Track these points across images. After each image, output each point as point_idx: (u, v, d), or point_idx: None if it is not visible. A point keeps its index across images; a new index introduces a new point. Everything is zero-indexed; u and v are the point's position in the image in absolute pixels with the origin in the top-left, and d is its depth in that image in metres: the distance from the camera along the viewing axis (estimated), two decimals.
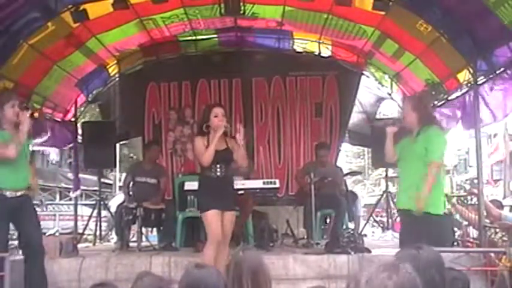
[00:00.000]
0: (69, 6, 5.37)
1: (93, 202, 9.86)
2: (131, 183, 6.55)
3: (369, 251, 5.06)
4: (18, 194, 4.06)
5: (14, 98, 4.18)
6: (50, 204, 14.53)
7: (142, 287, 2.15)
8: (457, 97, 5.90)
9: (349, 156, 26.70)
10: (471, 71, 5.36)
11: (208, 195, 4.33)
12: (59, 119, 7.04)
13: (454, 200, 7.40)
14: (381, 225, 8.32)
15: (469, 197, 6.50)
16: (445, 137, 4.22)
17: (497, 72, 4.94)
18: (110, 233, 7.56)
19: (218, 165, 4.30)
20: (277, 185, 5.73)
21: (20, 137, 3.98)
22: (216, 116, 4.28)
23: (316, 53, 7.61)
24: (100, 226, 7.20)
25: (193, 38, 7.39)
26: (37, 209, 4.33)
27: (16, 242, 6.90)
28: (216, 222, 4.21)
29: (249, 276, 2.52)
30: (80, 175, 8.33)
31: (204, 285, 2.19)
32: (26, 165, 4.19)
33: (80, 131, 7.56)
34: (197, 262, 2.54)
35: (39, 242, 4.22)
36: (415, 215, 3.94)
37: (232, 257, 2.69)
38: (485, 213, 5.48)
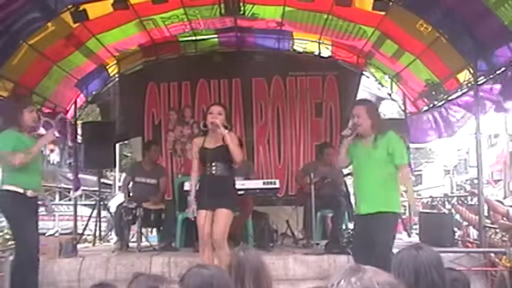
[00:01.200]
0: (69, 6, 5.37)
1: (93, 202, 9.85)
2: (130, 183, 6.55)
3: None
4: (36, 194, 4.23)
5: (32, 103, 4.28)
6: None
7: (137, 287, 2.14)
8: (458, 97, 5.90)
9: None
10: (471, 71, 5.36)
11: (201, 194, 4.23)
12: None
13: (454, 200, 7.42)
14: None
15: (469, 197, 6.51)
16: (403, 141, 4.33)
17: (498, 72, 4.94)
18: (109, 233, 7.56)
19: (213, 164, 4.19)
20: (277, 185, 5.73)
21: (34, 149, 4.14)
22: (210, 113, 4.20)
23: (316, 53, 7.60)
24: (100, 226, 7.19)
25: (193, 38, 7.39)
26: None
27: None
28: (204, 223, 4.10)
29: (252, 276, 2.51)
30: (80, 175, 8.32)
31: (216, 285, 2.18)
32: (40, 167, 4.38)
33: (79, 131, 7.55)
34: (198, 263, 2.53)
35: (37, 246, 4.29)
36: (375, 218, 3.91)
37: (232, 258, 2.68)
38: (486, 213, 5.48)
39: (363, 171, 4.12)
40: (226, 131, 4.13)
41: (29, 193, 4.14)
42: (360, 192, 4.17)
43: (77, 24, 5.68)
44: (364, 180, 4.08)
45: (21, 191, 4.10)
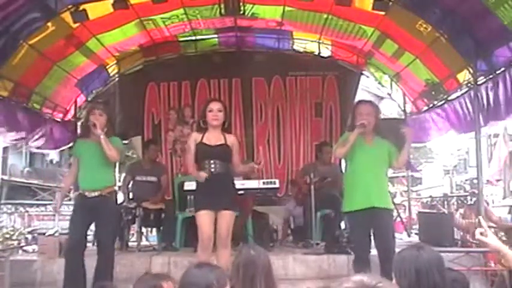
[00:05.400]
0: (69, 6, 5.38)
1: None
2: (131, 182, 6.54)
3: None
4: (96, 194, 4.24)
5: (99, 107, 4.39)
6: (50, 204, 14.50)
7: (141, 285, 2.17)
8: (457, 97, 5.91)
9: None
10: (471, 71, 5.36)
11: (201, 194, 4.16)
12: (58, 119, 7.04)
13: (454, 200, 7.41)
14: None
15: (468, 197, 6.50)
16: None
17: (497, 72, 4.95)
18: None
19: (212, 162, 4.09)
20: (277, 185, 5.72)
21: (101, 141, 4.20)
22: (210, 111, 4.13)
23: (316, 53, 7.61)
24: None
25: (193, 38, 7.39)
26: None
27: (15, 242, 6.90)
28: (206, 224, 4.00)
29: (263, 274, 2.50)
30: None
31: (216, 284, 2.18)
32: (104, 166, 4.33)
33: (79, 131, 7.53)
34: (197, 263, 2.53)
35: (106, 243, 4.44)
36: (382, 213, 4.12)
37: (238, 256, 2.64)
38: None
39: (360, 166, 4.23)
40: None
41: (87, 193, 4.22)
42: (354, 186, 4.22)
43: (77, 24, 5.68)
44: (358, 175, 4.22)
45: (81, 191, 4.26)
